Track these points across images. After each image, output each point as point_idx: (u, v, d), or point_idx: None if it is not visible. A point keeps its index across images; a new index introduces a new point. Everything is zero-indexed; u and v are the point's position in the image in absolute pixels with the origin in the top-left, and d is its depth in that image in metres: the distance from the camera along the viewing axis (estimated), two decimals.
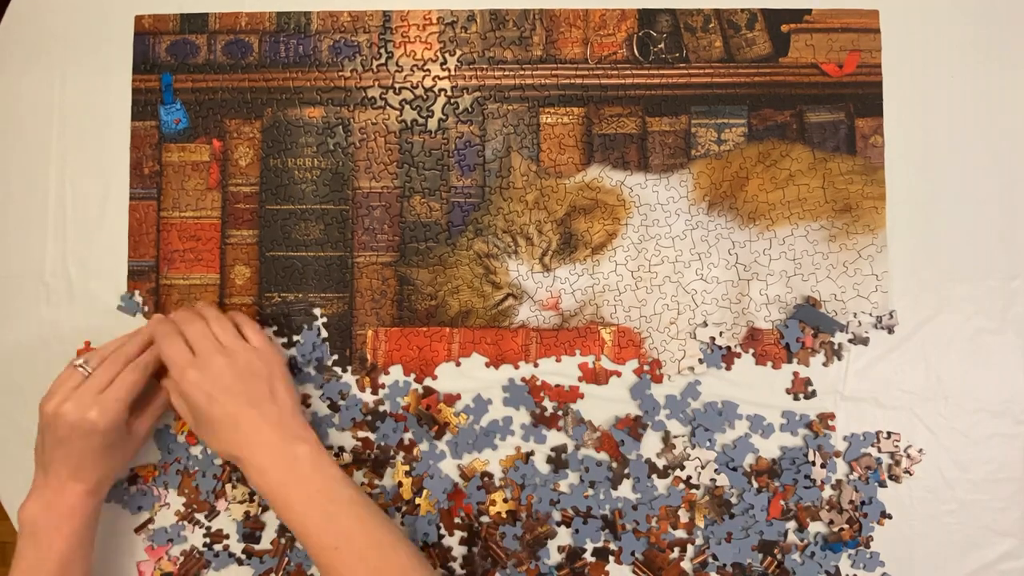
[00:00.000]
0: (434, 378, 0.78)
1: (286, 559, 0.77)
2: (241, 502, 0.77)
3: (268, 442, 0.67)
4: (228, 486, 0.78)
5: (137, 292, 0.80)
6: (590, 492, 0.76)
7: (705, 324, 0.77)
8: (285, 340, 0.79)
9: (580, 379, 0.77)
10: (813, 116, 0.79)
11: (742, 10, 0.80)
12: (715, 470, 0.76)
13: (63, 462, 0.67)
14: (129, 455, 0.73)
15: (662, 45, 0.80)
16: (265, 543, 0.78)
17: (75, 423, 0.66)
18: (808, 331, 0.77)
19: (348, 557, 0.64)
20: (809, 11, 0.79)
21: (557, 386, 0.77)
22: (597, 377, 0.78)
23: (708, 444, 0.76)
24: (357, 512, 0.66)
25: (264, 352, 0.71)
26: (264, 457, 0.66)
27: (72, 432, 0.66)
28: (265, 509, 0.78)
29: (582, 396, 0.77)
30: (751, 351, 0.77)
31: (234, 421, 0.67)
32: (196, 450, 0.78)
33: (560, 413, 0.77)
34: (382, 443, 0.77)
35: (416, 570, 0.65)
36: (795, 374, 0.77)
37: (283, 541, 0.77)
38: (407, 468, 0.77)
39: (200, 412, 0.68)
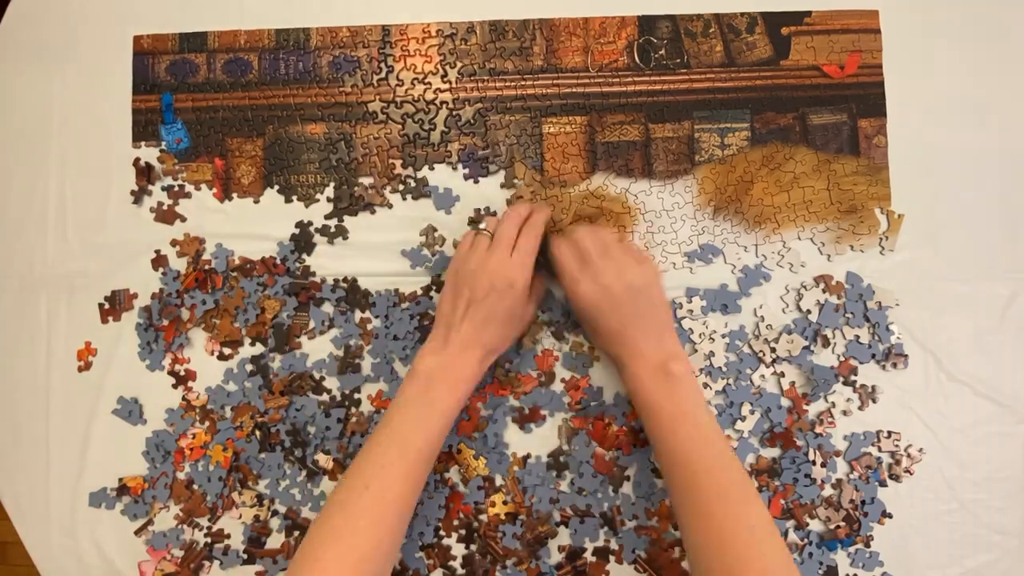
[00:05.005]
0: None
1: None
2: (251, 506, 0.78)
3: (646, 355, 0.69)
4: (235, 494, 0.78)
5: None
6: (587, 491, 0.77)
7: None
8: None
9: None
10: (816, 118, 0.79)
11: (742, 14, 0.79)
12: None
13: (471, 321, 0.69)
14: (522, 328, 0.75)
15: (663, 51, 0.79)
16: (269, 546, 0.78)
17: (495, 282, 0.68)
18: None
19: (700, 480, 0.65)
20: (809, 13, 0.79)
21: None
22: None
23: None
24: (707, 435, 0.67)
25: (646, 266, 0.71)
26: (642, 368, 0.69)
27: (491, 291, 0.68)
28: (274, 514, 0.78)
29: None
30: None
31: (619, 334, 0.69)
32: (188, 464, 0.79)
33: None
34: None
35: (751, 503, 0.65)
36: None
37: (292, 542, 0.78)
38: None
39: (587, 319, 0.71)
